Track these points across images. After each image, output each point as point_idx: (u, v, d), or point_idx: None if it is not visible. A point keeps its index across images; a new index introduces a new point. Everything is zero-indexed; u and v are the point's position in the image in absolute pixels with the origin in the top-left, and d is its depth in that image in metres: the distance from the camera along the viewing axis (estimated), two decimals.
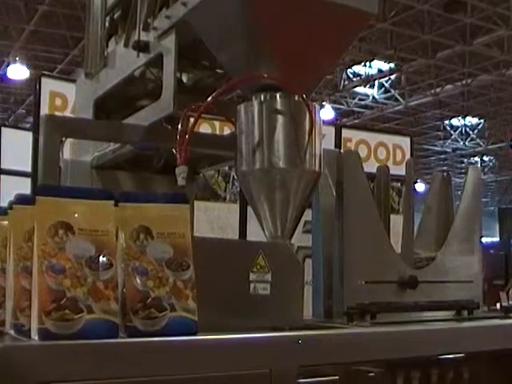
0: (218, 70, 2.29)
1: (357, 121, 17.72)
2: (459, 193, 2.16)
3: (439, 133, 20.30)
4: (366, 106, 17.66)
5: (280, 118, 1.84)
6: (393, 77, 15.85)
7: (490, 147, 21.02)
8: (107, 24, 2.54)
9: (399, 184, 5.62)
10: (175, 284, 1.29)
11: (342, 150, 2.01)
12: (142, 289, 1.26)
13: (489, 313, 2.16)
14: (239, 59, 1.95)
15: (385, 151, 6.83)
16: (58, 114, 4.93)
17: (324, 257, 1.88)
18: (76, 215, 1.23)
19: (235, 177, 5.07)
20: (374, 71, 15.43)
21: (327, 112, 14.43)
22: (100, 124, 2.44)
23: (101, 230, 1.24)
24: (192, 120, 1.85)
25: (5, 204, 1.40)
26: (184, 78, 2.39)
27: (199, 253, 1.34)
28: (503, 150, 20.78)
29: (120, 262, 1.27)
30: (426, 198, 2.24)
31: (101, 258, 1.22)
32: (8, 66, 13.41)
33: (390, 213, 2.03)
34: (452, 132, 20.12)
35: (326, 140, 2.42)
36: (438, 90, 16.07)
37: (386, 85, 16.34)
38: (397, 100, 16.94)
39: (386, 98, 17.02)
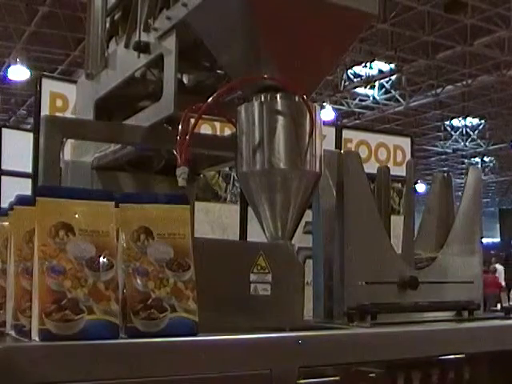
0: (219, 71, 2.29)
1: (357, 121, 17.74)
2: (460, 193, 2.16)
3: (440, 133, 20.32)
4: (366, 107, 17.68)
5: (280, 119, 1.84)
6: (393, 77, 15.87)
7: (490, 148, 21.04)
8: (108, 25, 2.53)
9: (400, 185, 5.62)
10: (176, 285, 1.29)
11: (342, 151, 2.01)
12: (143, 289, 1.26)
13: (489, 313, 2.16)
14: (240, 60, 1.96)
15: (385, 152, 6.83)
16: (58, 114, 4.93)
17: (324, 257, 1.88)
18: (76, 216, 1.24)
19: (236, 177, 5.07)
20: (374, 72, 15.44)
21: (328, 113, 14.44)
22: (101, 125, 2.44)
23: (101, 230, 1.24)
24: (192, 121, 1.85)
25: (5, 205, 1.40)
26: (184, 79, 2.39)
27: (200, 254, 1.34)
28: (504, 150, 20.79)
29: (120, 263, 1.27)
30: (427, 198, 2.24)
31: (101, 259, 1.22)
32: (9, 67, 13.45)
33: (390, 213, 2.03)
34: (452, 133, 20.13)
35: (326, 141, 2.41)
36: (439, 90, 16.09)
37: (387, 85, 16.35)
38: (397, 101, 16.96)
39: (386, 99, 17.04)
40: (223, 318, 1.46)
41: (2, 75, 14.09)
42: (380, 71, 15.41)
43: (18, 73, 13.19)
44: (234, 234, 5.54)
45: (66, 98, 5.21)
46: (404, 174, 2.07)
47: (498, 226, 24.98)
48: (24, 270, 1.28)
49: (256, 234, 2.05)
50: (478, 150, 21.26)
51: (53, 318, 1.16)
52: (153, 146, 2.36)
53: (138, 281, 1.26)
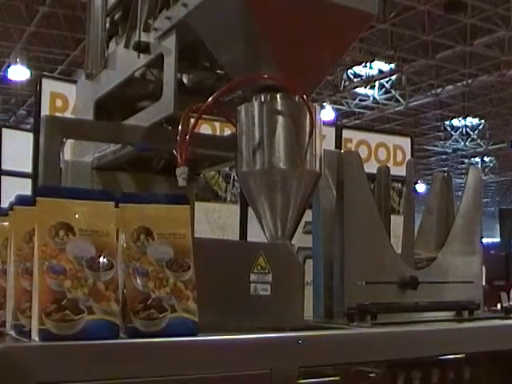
0: (219, 71, 2.29)
1: (357, 121, 17.73)
2: (460, 193, 2.16)
3: (440, 133, 20.30)
4: (366, 107, 17.67)
5: (280, 119, 1.84)
6: (393, 77, 15.86)
7: (490, 148, 21.02)
8: (108, 25, 2.53)
9: (400, 184, 5.62)
10: (176, 285, 1.29)
11: (342, 151, 2.01)
12: (143, 290, 1.26)
13: (489, 313, 2.16)
14: (239, 60, 1.96)
15: (385, 152, 6.83)
16: (58, 114, 4.93)
17: (324, 257, 1.88)
18: (76, 216, 1.24)
19: (236, 177, 5.07)
20: (374, 72, 15.43)
21: (328, 113, 14.43)
22: (100, 125, 2.44)
23: (101, 230, 1.24)
24: (192, 121, 1.85)
25: (5, 205, 1.40)
26: (184, 79, 2.39)
27: (200, 253, 1.34)
28: (504, 150, 20.79)
29: (120, 263, 1.27)
30: (427, 198, 2.24)
31: (101, 259, 1.22)
32: (9, 67, 13.43)
33: (390, 213, 2.03)
34: (452, 133, 20.12)
35: (326, 141, 2.41)
36: (439, 90, 16.08)
37: (387, 85, 16.34)
38: (397, 101, 16.95)
39: (386, 99, 17.03)
40: (223, 317, 1.46)
41: (2, 75, 14.08)
42: (380, 71, 15.39)
43: (18, 73, 13.17)
44: (234, 234, 5.54)
45: (65, 98, 5.22)
46: (404, 173, 2.07)
47: (497, 225, 24.96)
48: (24, 270, 1.28)
49: (256, 234, 2.05)
50: (477, 149, 21.24)
51: (53, 318, 1.16)
52: (153, 146, 2.36)
53: (138, 281, 1.26)
